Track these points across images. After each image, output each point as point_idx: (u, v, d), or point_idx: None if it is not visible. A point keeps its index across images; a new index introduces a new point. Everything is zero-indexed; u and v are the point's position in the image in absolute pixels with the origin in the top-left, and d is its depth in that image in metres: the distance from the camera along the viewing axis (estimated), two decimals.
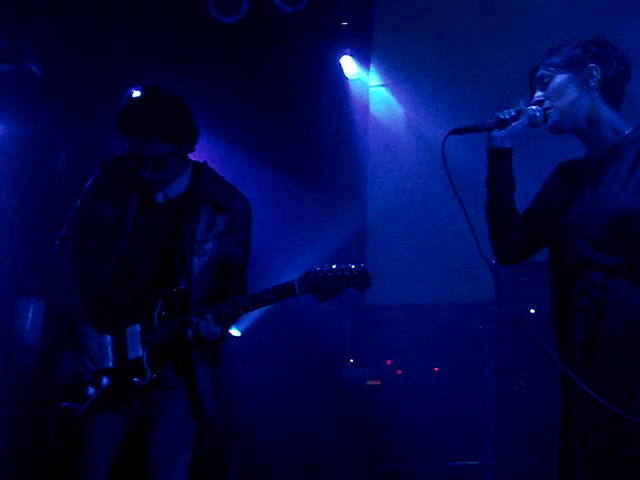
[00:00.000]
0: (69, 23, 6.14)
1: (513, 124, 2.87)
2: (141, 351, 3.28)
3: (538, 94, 2.92)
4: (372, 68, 6.65)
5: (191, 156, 3.50)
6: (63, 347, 3.35)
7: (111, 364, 3.30)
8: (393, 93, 6.58)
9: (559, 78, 2.88)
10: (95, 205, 3.41)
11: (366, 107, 6.65)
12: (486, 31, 6.19)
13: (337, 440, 5.88)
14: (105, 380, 3.29)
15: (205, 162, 3.53)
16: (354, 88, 6.66)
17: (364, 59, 6.63)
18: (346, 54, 6.56)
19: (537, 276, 5.29)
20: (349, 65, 6.60)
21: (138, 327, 3.30)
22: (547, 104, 2.89)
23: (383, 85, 6.61)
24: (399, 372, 5.96)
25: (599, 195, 2.82)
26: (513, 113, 2.87)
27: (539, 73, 2.92)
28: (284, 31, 6.42)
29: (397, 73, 6.57)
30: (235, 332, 6.13)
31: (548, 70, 2.90)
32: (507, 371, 5.21)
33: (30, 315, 5.95)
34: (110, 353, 3.30)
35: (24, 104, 6.25)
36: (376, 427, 5.79)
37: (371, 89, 6.66)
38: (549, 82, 2.90)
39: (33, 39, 6.21)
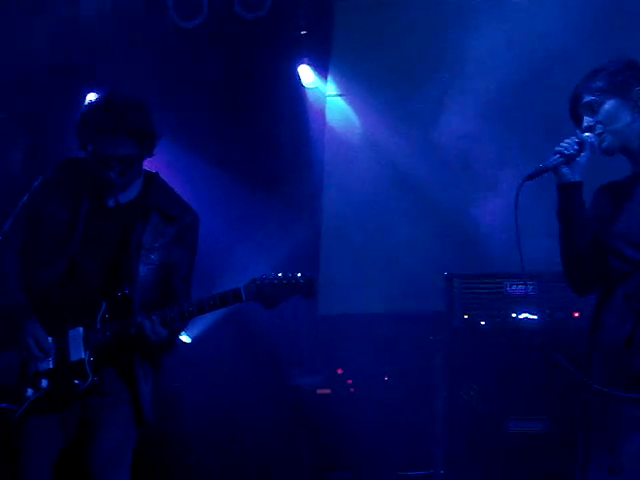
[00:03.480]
0: (24, 20, 6.07)
1: (578, 158, 2.95)
2: (83, 353, 3.28)
3: (588, 120, 3.00)
4: (329, 78, 6.67)
5: (145, 162, 3.51)
6: (4, 346, 3.31)
7: (51, 365, 3.28)
8: (349, 103, 6.62)
9: (608, 103, 2.98)
10: (45, 205, 3.41)
11: (322, 116, 6.68)
12: (444, 45, 6.25)
13: (287, 448, 5.87)
14: (44, 382, 3.27)
15: (157, 172, 3.54)
16: (311, 97, 6.68)
17: (322, 68, 6.65)
18: (304, 63, 6.57)
19: (488, 288, 5.35)
20: (307, 74, 6.61)
21: (81, 329, 3.30)
22: (600, 129, 2.98)
23: (340, 95, 6.64)
24: (349, 381, 5.97)
25: None
26: (576, 147, 2.95)
27: (587, 99, 3.01)
28: (243, 37, 6.41)
29: (354, 83, 6.60)
30: (185, 339, 6.10)
31: (595, 95, 2.99)
32: (457, 381, 5.24)
33: None
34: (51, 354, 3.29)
35: None
36: (326, 436, 5.79)
37: (328, 98, 6.68)
38: (599, 108, 2.98)
39: None
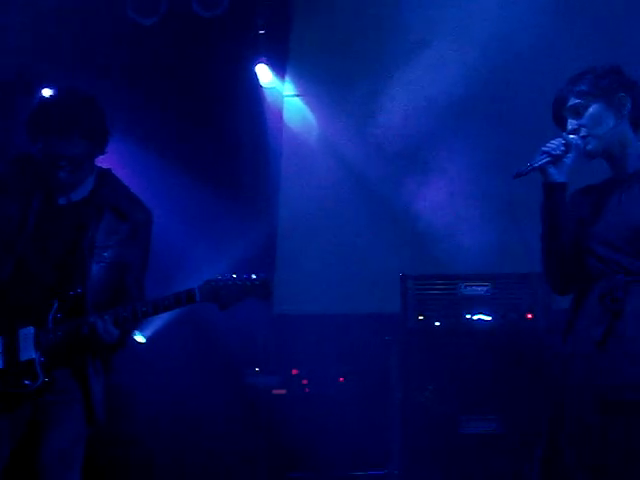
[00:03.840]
0: None
1: (565, 159, 2.98)
2: (34, 353, 3.23)
3: (573, 122, 3.04)
4: (287, 78, 6.67)
5: (100, 160, 3.47)
6: None
7: (1, 365, 3.23)
8: (307, 103, 6.62)
9: (593, 107, 3.02)
10: None
11: (280, 116, 6.67)
12: (404, 44, 6.29)
13: (241, 449, 5.85)
14: None
15: (110, 169, 3.51)
16: (269, 96, 6.67)
17: (279, 68, 6.65)
18: (262, 62, 6.56)
19: (443, 289, 5.38)
20: (264, 73, 6.60)
21: (32, 329, 3.24)
22: (584, 132, 3.02)
23: (297, 95, 6.65)
24: (305, 382, 5.97)
25: (624, 208, 2.99)
26: (563, 148, 2.98)
27: (572, 102, 3.05)
28: (200, 36, 6.38)
29: (312, 84, 6.61)
30: (140, 338, 6.06)
31: (581, 99, 3.03)
32: (412, 381, 5.28)
33: None
34: (1, 354, 3.23)
35: None
36: (281, 436, 5.78)
37: (285, 98, 6.68)
38: (584, 111, 3.03)
39: None
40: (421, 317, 5.35)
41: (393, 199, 6.26)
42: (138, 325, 3.46)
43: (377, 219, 6.30)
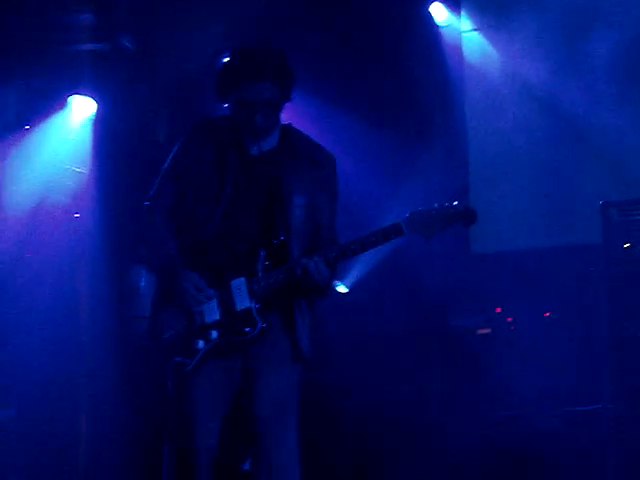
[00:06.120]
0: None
1: None
2: (249, 302, 3.34)
3: None
4: (463, 13, 6.53)
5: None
6: (167, 301, 3.41)
7: (218, 316, 3.36)
8: (486, 37, 6.46)
9: None
10: (190, 164, 3.46)
11: (460, 54, 6.55)
12: None
13: (449, 390, 5.86)
14: (214, 333, 3.35)
15: (291, 123, 3.57)
16: (446, 35, 6.56)
17: (454, 4, 6.52)
18: (436, 0, 6.45)
19: None
20: (439, 12, 6.50)
21: (243, 279, 3.35)
22: None
23: (475, 29, 6.49)
24: (509, 320, 5.89)
25: None
26: None
27: None
28: None
29: (489, 17, 6.45)
30: (342, 289, 6.16)
31: None
32: (621, 313, 5.08)
33: (142, 283, 6.11)
34: (216, 306, 3.36)
35: (121, 80, 6.37)
36: (488, 376, 5.74)
37: (463, 35, 6.54)
38: None
39: (123, 15, 6.30)
40: (627, 245, 5.11)
41: (587, 124, 6.02)
42: (345, 260, 3.49)
43: (571, 147, 6.08)
